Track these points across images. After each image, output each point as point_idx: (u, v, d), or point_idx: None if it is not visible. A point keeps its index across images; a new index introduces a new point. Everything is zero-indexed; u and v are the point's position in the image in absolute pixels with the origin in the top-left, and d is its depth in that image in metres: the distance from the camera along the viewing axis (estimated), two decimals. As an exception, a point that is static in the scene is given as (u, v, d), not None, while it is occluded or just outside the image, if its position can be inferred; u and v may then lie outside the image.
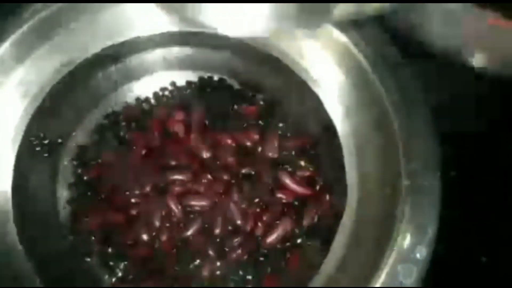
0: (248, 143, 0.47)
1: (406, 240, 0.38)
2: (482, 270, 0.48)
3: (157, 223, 0.44)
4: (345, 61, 0.44)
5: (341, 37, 0.44)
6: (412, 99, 0.41)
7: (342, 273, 0.40)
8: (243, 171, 0.45)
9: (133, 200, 0.45)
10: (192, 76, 0.52)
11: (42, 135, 0.46)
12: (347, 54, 0.44)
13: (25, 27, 0.43)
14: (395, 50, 0.43)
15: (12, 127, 0.43)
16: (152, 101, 0.51)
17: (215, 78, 0.51)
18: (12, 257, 0.40)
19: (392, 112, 0.42)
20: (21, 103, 0.44)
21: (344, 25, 0.44)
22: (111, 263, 0.44)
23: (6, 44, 0.43)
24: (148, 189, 0.45)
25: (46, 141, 0.46)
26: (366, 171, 0.43)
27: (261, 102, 0.50)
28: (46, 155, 0.46)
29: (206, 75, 0.51)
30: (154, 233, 0.44)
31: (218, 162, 0.46)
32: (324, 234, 0.44)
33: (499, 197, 0.50)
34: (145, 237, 0.44)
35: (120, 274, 0.44)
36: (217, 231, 0.43)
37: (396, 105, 0.41)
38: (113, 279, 0.44)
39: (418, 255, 0.37)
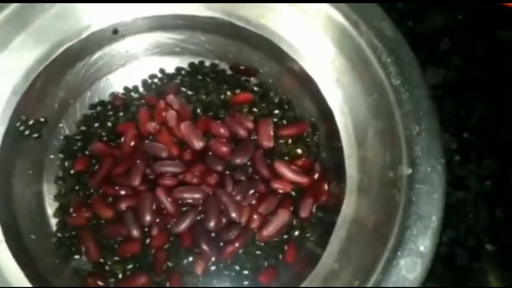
0: (242, 132, 0.44)
1: (409, 232, 0.36)
2: (486, 257, 0.47)
3: (148, 218, 0.41)
4: (344, 44, 0.42)
5: (340, 19, 0.42)
6: (414, 84, 0.39)
7: (342, 266, 0.39)
8: (237, 161, 0.43)
9: (122, 193, 0.43)
10: (182, 62, 0.49)
11: (26, 127, 0.43)
12: (346, 37, 0.42)
13: (3, 14, 0.41)
14: (397, 33, 0.41)
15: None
16: (141, 89, 0.49)
17: (207, 63, 0.49)
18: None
19: (393, 97, 0.40)
20: (4, 94, 0.41)
21: (343, 7, 0.41)
22: (100, 259, 0.42)
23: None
24: (137, 182, 0.42)
25: (30, 134, 0.44)
26: (366, 159, 0.41)
27: (255, 88, 0.48)
28: (30, 148, 0.44)
29: (196, 60, 0.49)
30: (145, 228, 0.42)
31: (210, 153, 0.44)
32: (322, 226, 0.43)
33: (504, 183, 0.49)
34: (135, 232, 0.41)
35: (110, 271, 0.42)
36: (211, 224, 0.41)
37: (397, 90, 0.40)
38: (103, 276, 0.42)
39: (422, 248, 0.35)
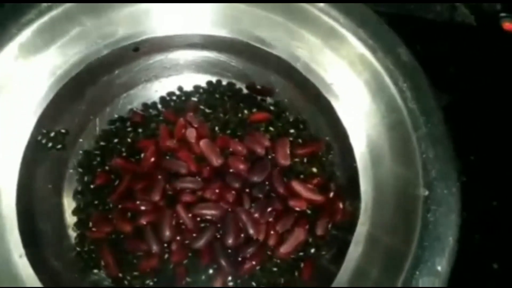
0: (259, 150, 0.45)
1: (427, 252, 0.37)
2: (493, 277, 0.48)
3: (168, 233, 0.42)
4: (360, 67, 0.43)
5: (357, 44, 0.43)
6: (430, 108, 0.41)
7: (357, 285, 0.40)
8: (255, 178, 0.44)
9: (142, 209, 0.44)
10: (199, 80, 0.50)
11: (48, 139, 0.44)
12: (362, 60, 0.43)
13: (27, 31, 0.42)
14: (412, 59, 0.42)
15: (16, 133, 0.41)
16: (159, 106, 0.49)
17: (224, 82, 0.50)
18: (17, 269, 0.39)
19: (409, 121, 0.41)
20: (25, 109, 0.42)
21: (360, 32, 0.43)
22: (119, 274, 0.43)
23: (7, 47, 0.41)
24: (157, 197, 0.43)
25: (54, 146, 0.45)
26: (381, 180, 0.42)
27: (271, 107, 0.49)
28: (50, 162, 0.45)
29: (214, 79, 0.50)
30: (164, 243, 0.43)
31: (230, 170, 0.45)
32: (338, 244, 0.44)
33: (509, 203, 0.50)
34: (155, 247, 0.42)
35: (129, 285, 0.43)
36: (229, 241, 0.42)
37: (413, 114, 0.41)
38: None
39: (439, 268, 0.37)
